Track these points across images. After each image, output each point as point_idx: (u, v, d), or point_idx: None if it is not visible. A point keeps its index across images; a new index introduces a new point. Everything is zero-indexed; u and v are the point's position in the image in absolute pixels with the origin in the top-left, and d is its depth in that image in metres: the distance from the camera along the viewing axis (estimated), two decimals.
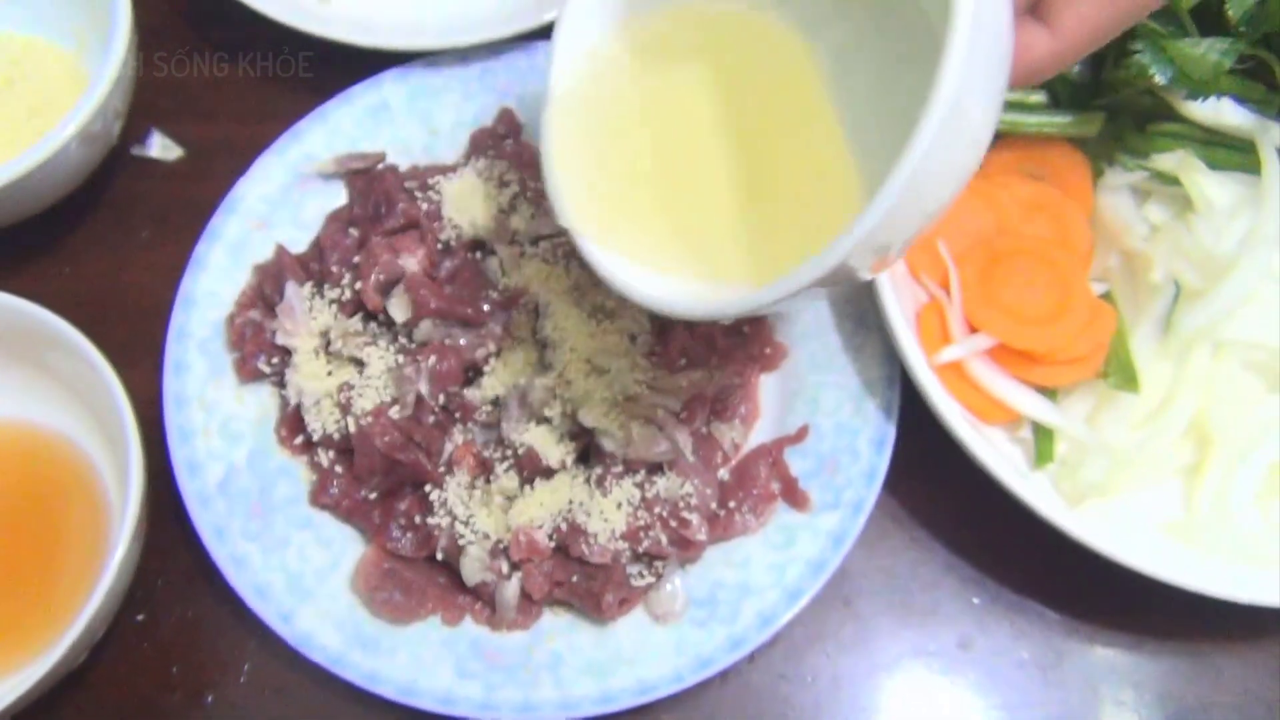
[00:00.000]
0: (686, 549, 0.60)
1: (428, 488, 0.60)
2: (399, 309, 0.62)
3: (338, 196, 0.69)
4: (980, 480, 0.60)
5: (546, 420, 0.60)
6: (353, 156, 0.68)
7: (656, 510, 0.59)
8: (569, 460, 0.60)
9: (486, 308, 0.63)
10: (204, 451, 0.62)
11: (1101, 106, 0.66)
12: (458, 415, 0.61)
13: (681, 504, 0.60)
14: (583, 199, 0.53)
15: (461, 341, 0.62)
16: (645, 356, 0.61)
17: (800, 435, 0.64)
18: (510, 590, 0.59)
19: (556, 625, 0.60)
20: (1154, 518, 0.63)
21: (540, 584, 0.59)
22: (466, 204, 0.65)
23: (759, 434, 0.65)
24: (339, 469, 0.62)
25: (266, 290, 0.65)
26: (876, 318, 0.64)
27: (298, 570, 0.60)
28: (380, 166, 0.68)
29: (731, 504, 0.62)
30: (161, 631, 0.62)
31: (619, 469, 0.60)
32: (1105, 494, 0.62)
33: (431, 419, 0.61)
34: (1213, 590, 0.58)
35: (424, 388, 0.60)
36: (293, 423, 0.63)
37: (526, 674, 0.58)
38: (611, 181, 0.54)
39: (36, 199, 0.66)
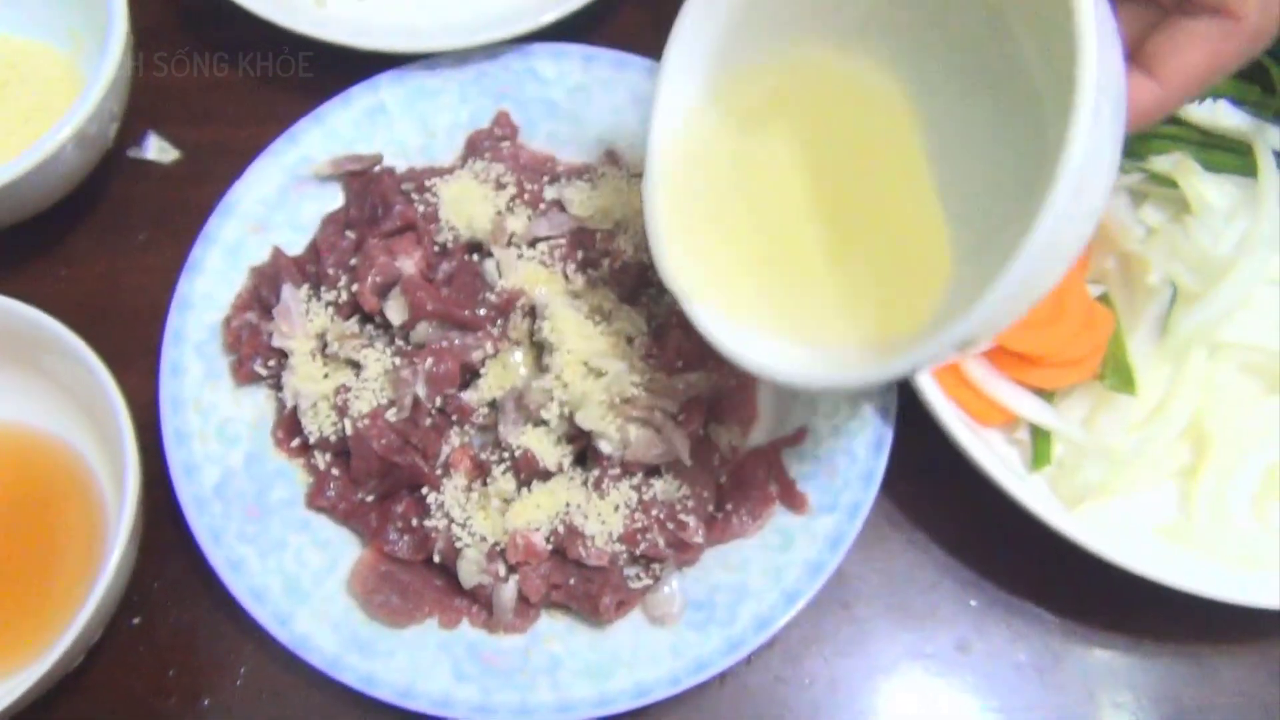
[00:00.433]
0: (684, 551, 0.60)
1: (425, 490, 0.60)
2: (396, 311, 0.62)
3: (334, 199, 0.69)
4: (978, 482, 0.60)
5: (544, 422, 0.60)
6: (349, 159, 0.68)
7: (654, 513, 0.59)
8: (566, 463, 0.60)
9: (483, 310, 0.63)
10: (200, 454, 0.61)
11: None
12: (455, 418, 0.61)
13: (679, 506, 0.60)
14: (684, 261, 0.53)
15: (458, 344, 0.62)
16: (643, 359, 0.61)
17: (798, 438, 0.64)
18: (507, 593, 0.59)
19: (554, 628, 0.60)
20: (1151, 520, 0.63)
21: (537, 586, 0.59)
22: (463, 206, 0.65)
23: (756, 436, 0.65)
24: (336, 471, 0.62)
25: (263, 293, 0.65)
26: None
27: (294, 573, 0.60)
28: (377, 169, 0.68)
29: (729, 506, 0.62)
30: (158, 635, 0.62)
31: (616, 471, 0.60)
32: (1102, 496, 0.62)
33: (428, 421, 0.61)
34: (1210, 592, 0.58)
35: (421, 390, 0.60)
36: (289, 425, 0.63)
37: (524, 677, 0.58)
38: (711, 243, 0.54)
39: (33, 201, 0.66)
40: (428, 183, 0.66)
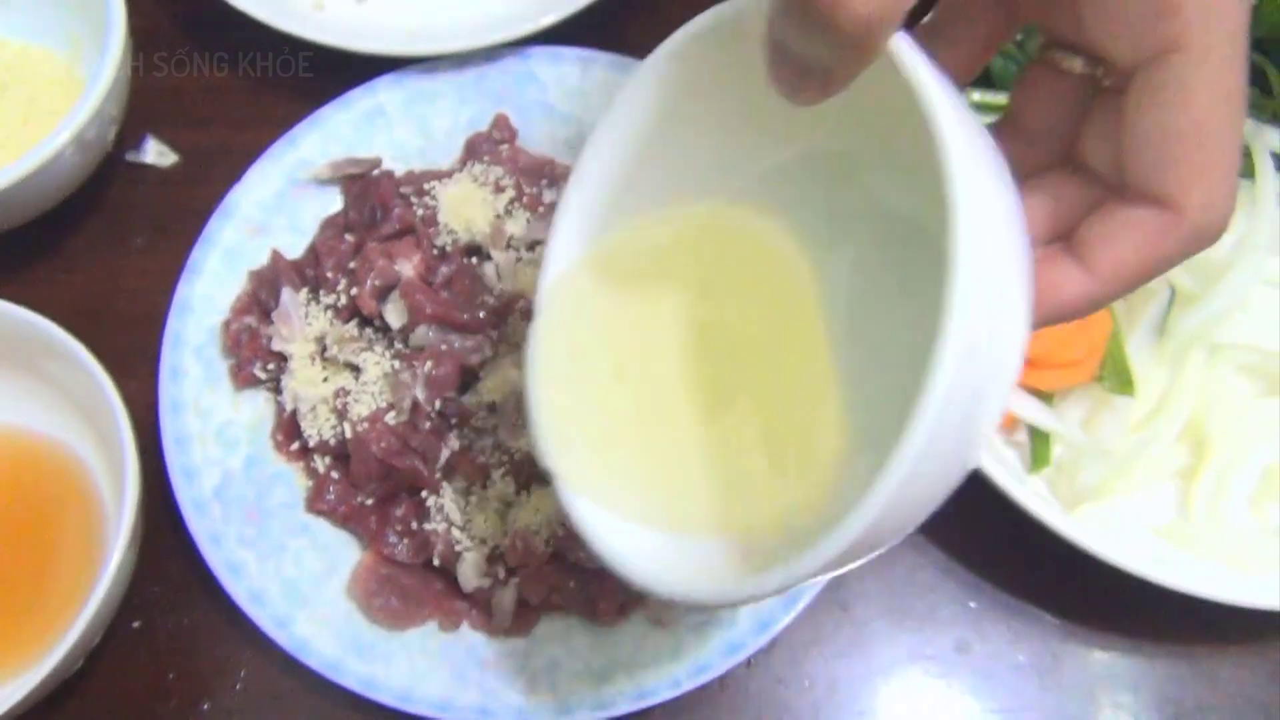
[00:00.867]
0: None
1: (424, 494, 0.60)
2: (395, 315, 0.62)
3: (333, 202, 0.69)
4: (977, 485, 0.60)
5: None
6: (348, 162, 0.68)
7: None
8: None
9: (483, 313, 0.63)
10: (200, 458, 0.61)
11: None
12: (454, 421, 0.61)
13: None
14: (561, 437, 0.47)
15: (458, 347, 0.62)
16: None
17: None
18: (507, 596, 0.59)
19: (553, 631, 0.60)
20: (1150, 521, 0.63)
21: (537, 590, 0.59)
22: (462, 209, 0.65)
23: None
24: (335, 475, 0.62)
25: (262, 296, 0.65)
26: None
27: (294, 576, 0.60)
28: (376, 172, 0.68)
29: None
30: (157, 638, 0.62)
31: None
32: (1101, 497, 0.62)
33: (428, 425, 0.61)
34: (1209, 593, 0.58)
35: (420, 393, 0.60)
36: (288, 429, 0.63)
37: (524, 680, 0.58)
38: (590, 418, 0.48)
39: (31, 205, 0.65)
40: (426, 186, 0.66)
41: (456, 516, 0.60)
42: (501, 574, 0.59)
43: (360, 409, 0.61)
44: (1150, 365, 0.64)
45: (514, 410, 0.60)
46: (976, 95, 0.66)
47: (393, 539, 0.60)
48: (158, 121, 0.74)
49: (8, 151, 0.66)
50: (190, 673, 0.61)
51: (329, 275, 0.64)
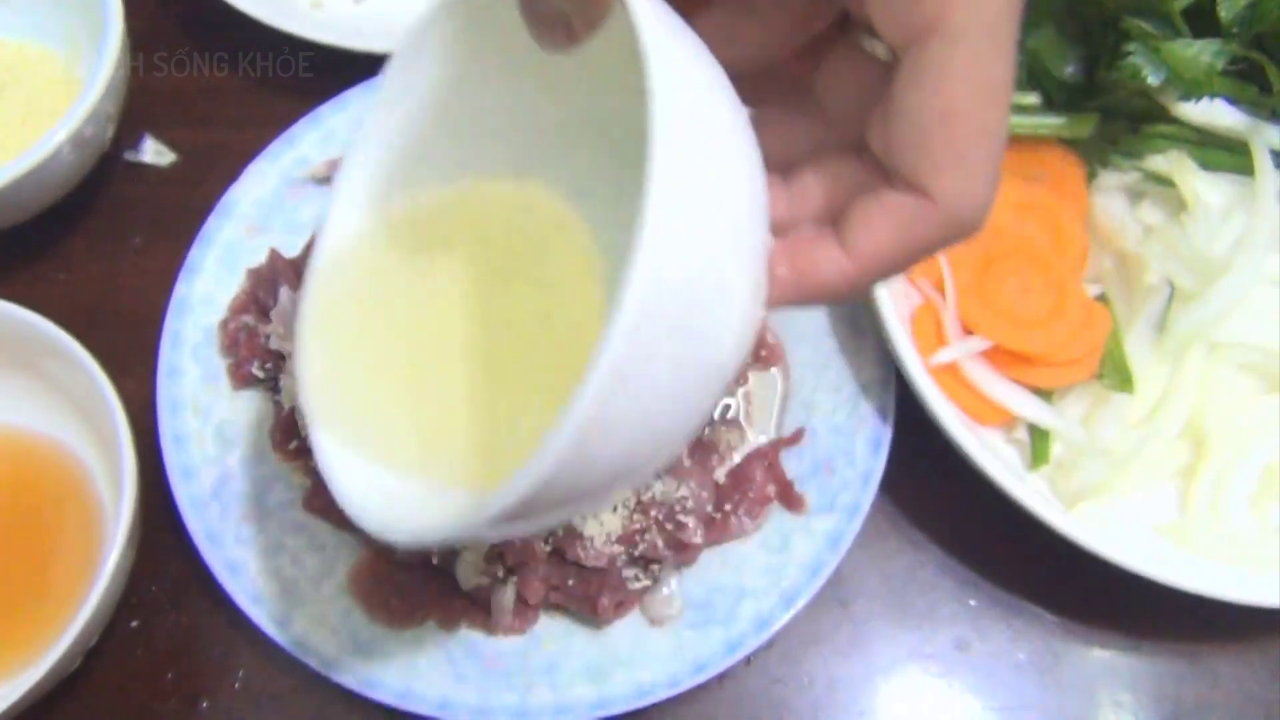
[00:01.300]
0: (682, 552, 0.59)
1: None
2: None
3: None
4: (976, 482, 0.60)
5: None
6: None
7: (652, 514, 0.59)
8: None
9: None
10: (198, 457, 0.61)
11: (1095, 108, 0.66)
12: None
13: (677, 507, 0.60)
14: (321, 380, 0.47)
15: None
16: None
17: (796, 438, 0.64)
18: (506, 595, 0.59)
19: (552, 629, 0.60)
20: (1150, 519, 0.63)
21: (536, 588, 0.59)
22: None
23: (754, 437, 0.65)
24: None
25: (260, 295, 0.65)
26: (871, 320, 0.64)
27: (292, 575, 0.60)
28: None
29: (727, 507, 0.61)
30: (156, 638, 0.62)
31: None
32: (1101, 495, 0.62)
33: None
34: (1209, 591, 0.58)
35: None
36: (286, 428, 0.63)
37: (522, 678, 0.58)
38: (353, 370, 0.48)
39: (29, 204, 0.65)
40: None
41: None
42: (500, 573, 0.59)
43: None
44: (1150, 363, 0.64)
45: None
46: None
47: None
48: (156, 121, 0.74)
49: (6, 150, 0.67)
50: (189, 672, 0.61)
51: None
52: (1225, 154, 0.65)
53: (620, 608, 0.59)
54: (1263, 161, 0.64)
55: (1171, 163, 0.65)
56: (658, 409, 0.35)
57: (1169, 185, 0.65)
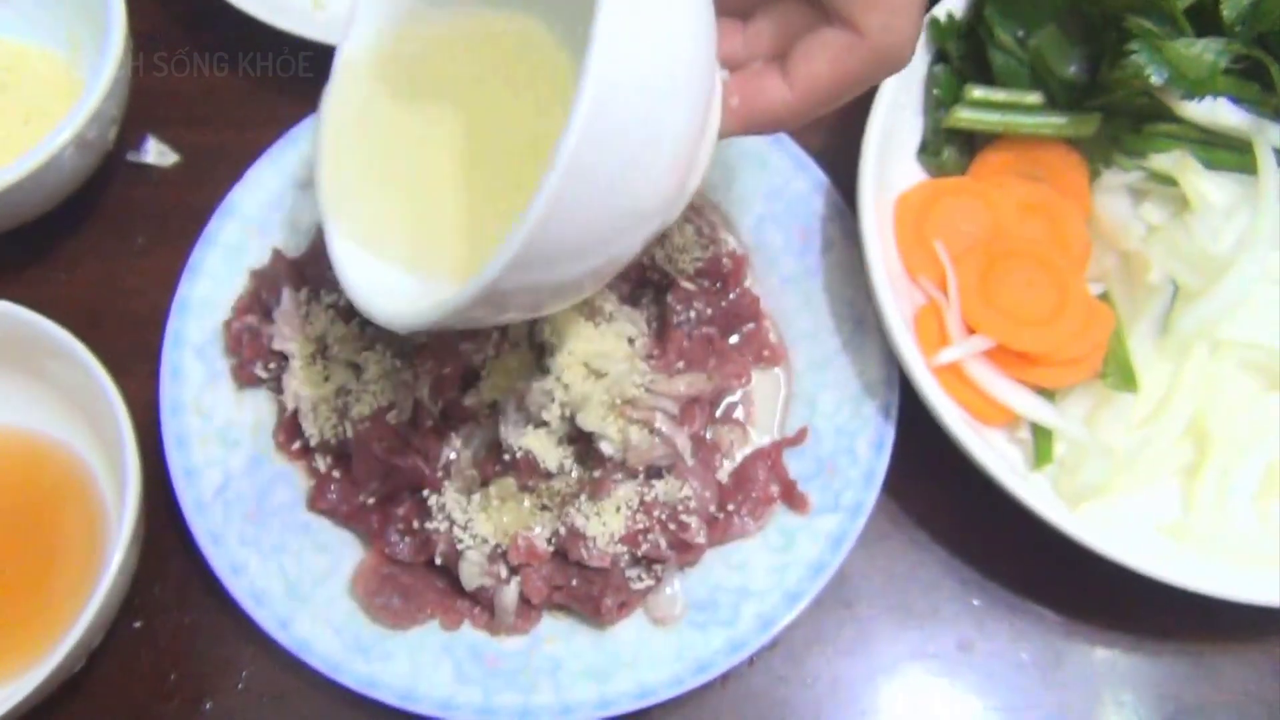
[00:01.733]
0: (686, 552, 0.59)
1: (426, 493, 0.60)
2: None
3: None
4: (979, 482, 0.60)
5: (544, 424, 0.60)
6: None
7: (655, 514, 0.59)
8: (567, 464, 0.60)
9: None
10: (201, 457, 0.61)
11: (1098, 107, 0.66)
12: (455, 420, 0.61)
13: (680, 507, 0.60)
14: (338, 193, 0.54)
15: (459, 346, 0.61)
16: (644, 359, 0.61)
17: (799, 438, 0.64)
18: (509, 595, 0.59)
19: (555, 629, 0.60)
20: (1153, 518, 0.63)
21: (539, 588, 0.59)
22: None
23: (757, 437, 0.65)
24: (337, 474, 0.62)
25: (263, 296, 0.65)
26: (875, 320, 0.64)
27: (295, 576, 0.60)
28: None
29: (730, 507, 0.61)
30: (159, 638, 0.62)
31: (618, 473, 0.60)
32: (1104, 495, 0.62)
33: (429, 424, 0.61)
34: (1212, 590, 0.58)
35: (422, 392, 0.60)
36: (290, 428, 0.63)
37: (525, 678, 0.58)
38: (364, 180, 0.55)
39: (32, 205, 0.65)
40: None
41: (458, 515, 0.59)
42: (503, 573, 0.59)
43: (361, 408, 0.61)
44: (1153, 362, 0.64)
45: (515, 409, 0.60)
46: (979, 92, 0.66)
47: (394, 538, 0.60)
48: (158, 122, 0.74)
49: (7, 152, 0.66)
50: (192, 672, 0.61)
51: (330, 275, 0.64)
52: (1228, 153, 0.65)
53: (623, 608, 0.59)
54: (1265, 160, 0.64)
55: (1174, 162, 0.65)
56: (614, 194, 0.40)
57: (1172, 184, 0.65)
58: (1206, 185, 0.64)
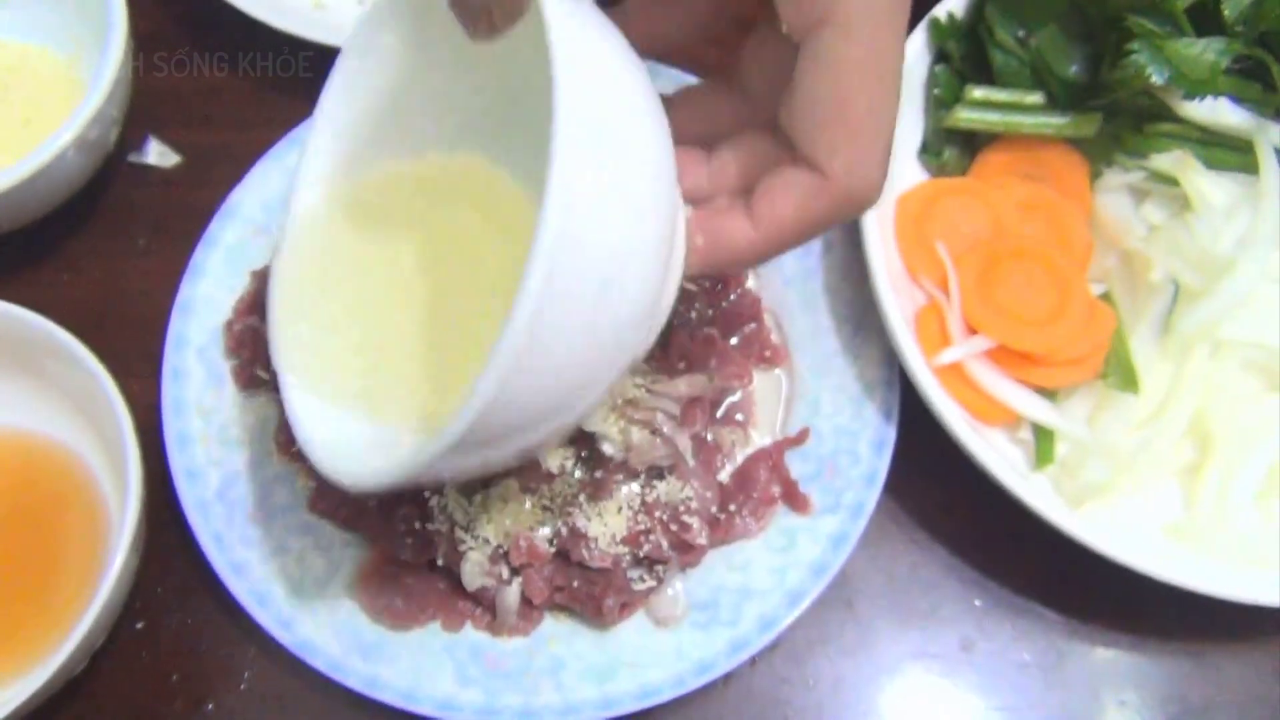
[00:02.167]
0: (687, 553, 0.59)
1: (427, 494, 0.60)
2: None
3: None
4: (981, 482, 0.60)
5: None
6: None
7: (657, 514, 0.59)
8: (569, 465, 0.60)
9: None
10: (203, 458, 0.61)
11: (1099, 107, 0.66)
12: None
13: (682, 508, 0.60)
14: (292, 337, 0.52)
15: None
16: (644, 360, 0.61)
17: (800, 438, 0.64)
18: (511, 596, 0.59)
19: (557, 630, 0.60)
20: (1155, 518, 0.63)
21: (541, 589, 0.59)
22: None
23: (758, 437, 0.65)
24: None
25: (265, 296, 0.65)
26: (875, 320, 0.64)
27: (297, 577, 0.60)
28: None
29: (732, 507, 0.61)
30: (161, 639, 0.62)
31: (619, 473, 0.60)
32: (1106, 495, 0.61)
33: None
34: (1214, 590, 0.58)
35: None
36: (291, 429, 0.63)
37: (527, 679, 0.58)
38: (319, 328, 0.53)
39: (33, 206, 0.65)
40: None
41: (460, 516, 0.59)
42: (505, 573, 0.59)
43: None
44: (1154, 362, 0.64)
45: None
46: (979, 92, 0.66)
47: (396, 539, 0.60)
48: (159, 122, 0.74)
49: (8, 153, 0.66)
50: (194, 673, 0.61)
51: None
52: (1229, 152, 0.65)
53: (625, 609, 0.59)
54: (1267, 160, 0.64)
55: (1175, 161, 0.65)
56: (576, 350, 0.39)
57: (1173, 184, 0.65)
58: (1208, 185, 0.64)
